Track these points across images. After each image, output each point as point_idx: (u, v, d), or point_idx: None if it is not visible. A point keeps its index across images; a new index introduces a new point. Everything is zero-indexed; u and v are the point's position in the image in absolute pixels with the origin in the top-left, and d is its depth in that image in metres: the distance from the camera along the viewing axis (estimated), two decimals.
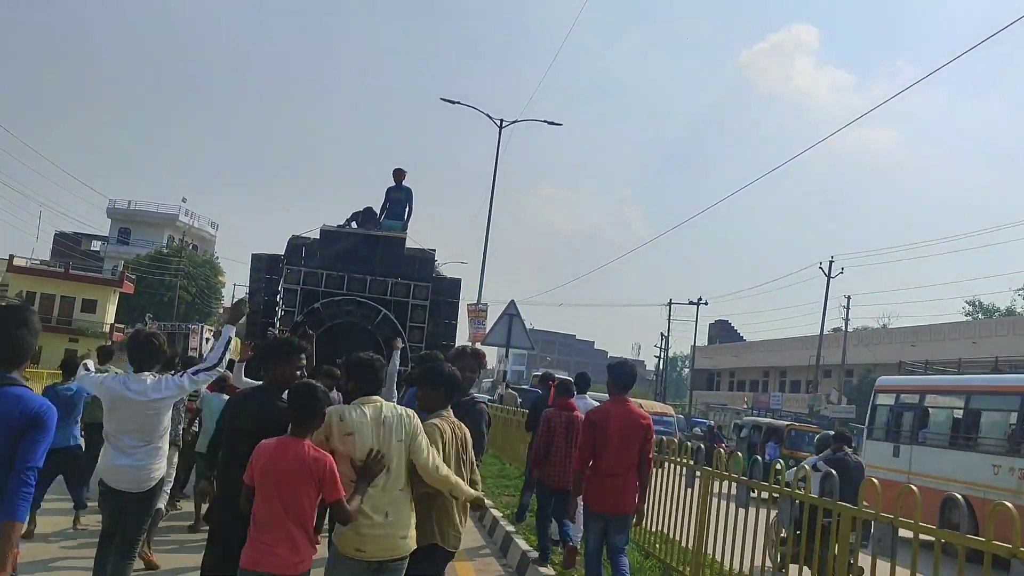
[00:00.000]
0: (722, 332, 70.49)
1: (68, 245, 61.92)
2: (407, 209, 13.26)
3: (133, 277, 54.61)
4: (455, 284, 13.03)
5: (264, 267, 12.40)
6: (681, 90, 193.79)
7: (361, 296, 12.12)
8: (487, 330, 20.02)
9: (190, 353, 22.26)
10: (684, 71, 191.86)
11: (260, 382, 4.43)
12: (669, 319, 61.99)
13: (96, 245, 69.05)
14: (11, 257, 50.78)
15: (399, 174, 13.49)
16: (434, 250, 13.11)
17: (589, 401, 8.16)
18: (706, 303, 59.33)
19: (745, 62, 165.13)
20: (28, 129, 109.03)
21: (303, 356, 4.21)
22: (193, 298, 55.65)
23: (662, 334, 64.49)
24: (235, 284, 72.13)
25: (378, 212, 13.25)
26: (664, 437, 8.65)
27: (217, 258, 68.18)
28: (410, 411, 3.91)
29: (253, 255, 12.63)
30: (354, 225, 13.27)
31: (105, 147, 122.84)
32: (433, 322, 12.45)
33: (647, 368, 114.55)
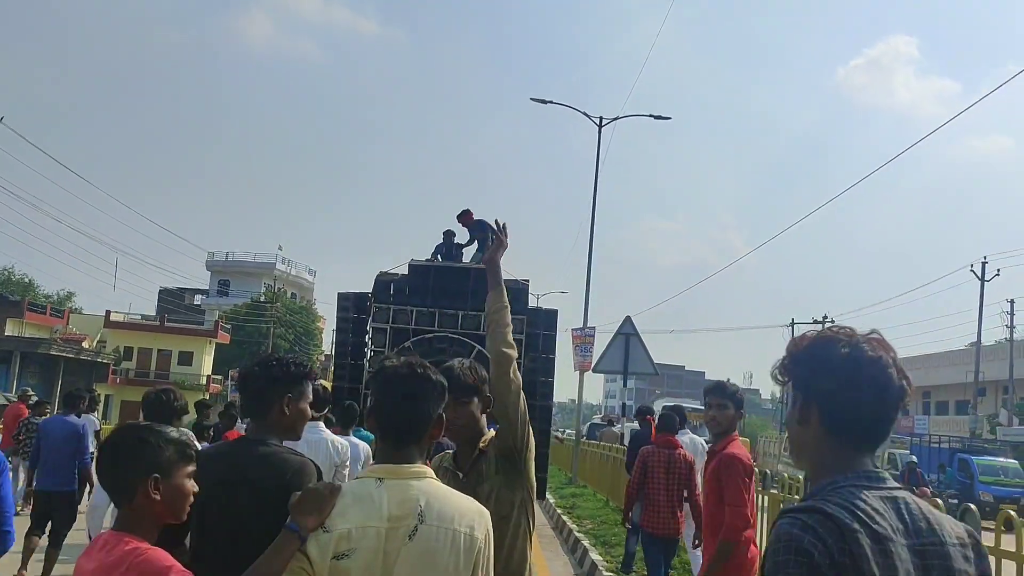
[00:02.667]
0: None
1: (171, 300, 65.30)
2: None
3: (228, 327, 56.80)
4: (552, 315, 12.71)
5: (352, 306, 12.41)
6: (777, 115, 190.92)
7: (453, 332, 11.99)
8: (596, 357, 18.09)
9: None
10: (778, 95, 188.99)
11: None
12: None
13: (198, 299, 72.60)
14: (108, 313, 53.22)
15: (466, 217, 13.50)
16: (527, 280, 12.89)
17: (688, 436, 7.82)
18: (831, 321, 57.06)
19: (843, 80, 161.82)
20: (121, 186, 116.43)
21: (304, 385, 2.90)
22: (291, 345, 57.45)
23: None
24: (334, 329, 74.23)
25: (458, 248, 13.32)
26: None
27: (315, 304, 70.40)
28: (483, 511, 2.23)
29: (339, 294, 12.71)
30: (440, 259, 13.27)
31: (199, 200, 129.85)
32: (530, 357, 12.18)
33: (762, 397, 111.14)
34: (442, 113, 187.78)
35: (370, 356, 12.30)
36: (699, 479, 7.97)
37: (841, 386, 1.60)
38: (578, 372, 23.45)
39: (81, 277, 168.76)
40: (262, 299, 60.36)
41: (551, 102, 25.71)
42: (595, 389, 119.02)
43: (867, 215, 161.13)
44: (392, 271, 12.84)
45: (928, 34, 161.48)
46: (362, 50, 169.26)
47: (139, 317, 54.99)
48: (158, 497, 2.24)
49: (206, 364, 53.99)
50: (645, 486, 6.99)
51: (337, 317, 12.88)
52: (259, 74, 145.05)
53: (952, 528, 1.59)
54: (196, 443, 2.45)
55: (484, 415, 3.10)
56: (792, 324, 59.00)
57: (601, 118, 25.14)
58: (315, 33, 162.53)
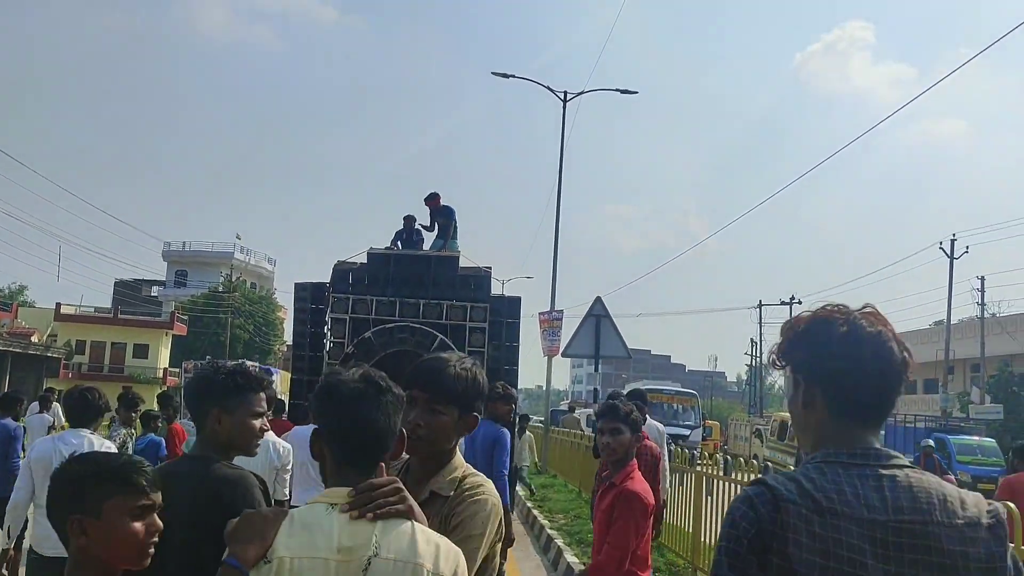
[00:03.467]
0: None
1: (128, 293, 64.21)
2: (453, 228, 13.10)
3: (185, 318, 55.96)
4: (515, 303, 12.63)
5: (309, 296, 12.22)
6: (736, 99, 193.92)
7: (415, 322, 11.87)
8: (564, 341, 17.53)
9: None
10: (737, 80, 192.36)
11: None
12: (760, 322, 60.29)
13: (156, 291, 71.54)
14: (58, 305, 52.01)
15: (434, 200, 13.32)
16: (490, 267, 12.77)
17: (651, 421, 7.72)
18: (799, 302, 57.63)
19: (800, 65, 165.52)
20: (76, 180, 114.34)
21: (243, 398, 2.66)
22: (251, 336, 56.81)
23: (752, 340, 62.91)
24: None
25: (418, 233, 13.21)
26: None
27: (275, 293, 69.74)
28: (453, 548, 1.95)
29: (296, 284, 12.51)
30: (399, 245, 13.14)
31: (156, 191, 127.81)
32: (493, 345, 12.11)
33: (728, 380, 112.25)
34: (403, 98, 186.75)
35: (329, 347, 12.15)
36: (664, 468, 7.97)
37: (844, 365, 1.58)
38: (547, 358, 23.05)
39: (34, 272, 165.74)
40: (219, 289, 59.58)
41: (513, 76, 25.44)
42: (563, 375, 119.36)
43: (829, 198, 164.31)
44: (351, 259, 12.68)
45: (884, 20, 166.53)
46: (321, 37, 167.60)
47: (92, 310, 53.91)
48: (83, 542, 1.90)
49: (163, 356, 53.10)
50: None
51: (294, 308, 12.72)
52: (215, 61, 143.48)
53: (966, 507, 1.53)
54: (144, 466, 2.05)
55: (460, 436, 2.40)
56: (760, 306, 59.60)
57: (566, 93, 24.94)
58: (272, 20, 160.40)
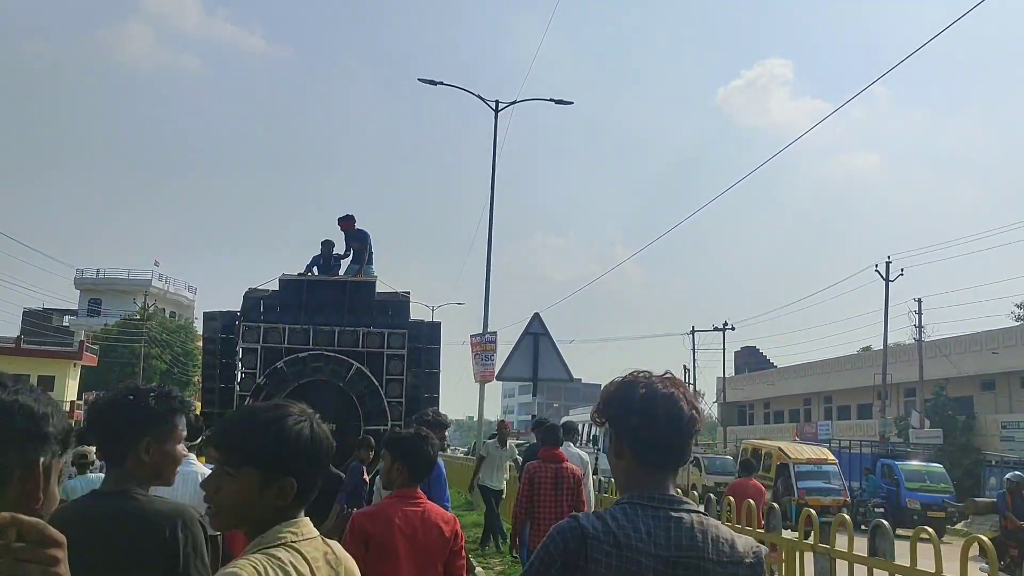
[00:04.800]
0: (750, 360, 69.59)
1: (37, 322, 62.04)
2: (368, 253, 13.00)
3: (96, 347, 54.29)
4: (435, 328, 12.63)
5: (219, 326, 11.98)
6: (661, 132, 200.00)
7: (329, 350, 11.78)
8: (498, 365, 16.51)
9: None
10: (663, 113, 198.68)
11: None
12: (694, 348, 61.08)
13: (67, 320, 69.31)
14: None
15: (348, 223, 13.02)
16: (408, 292, 12.75)
17: (573, 450, 7.83)
18: (732, 328, 58.70)
19: (723, 100, 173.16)
20: None
21: (171, 423, 2.49)
22: (168, 366, 55.46)
23: (685, 366, 63.73)
24: None
25: (336, 259, 13.10)
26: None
27: (195, 322, 68.20)
28: None
29: (205, 313, 12.30)
30: (315, 271, 13.05)
31: (67, 215, 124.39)
32: (412, 373, 12.07)
33: None
34: (327, 120, 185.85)
35: (241, 378, 11.97)
36: (589, 493, 8.05)
37: (641, 421, 1.92)
38: (479, 384, 21.97)
39: None
40: (135, 317, 58.09)
41: (441, 83, 24.76)
42: (494, 404, 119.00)
43: (756, 227, 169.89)
44: (262, 287, 12.54)
45: (800, 56, 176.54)
46: (249, 65, 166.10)
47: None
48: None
49: (70, 389, 51.18)
50: (534, 504, 6.81)
51: (203, 338, 12.51)
52: (136, 88, 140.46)
53: (735, 548, 1.89)
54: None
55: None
56: (693, 332, 60.53)
57: (497, 102, 24.43)
58: (197, 48, 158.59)
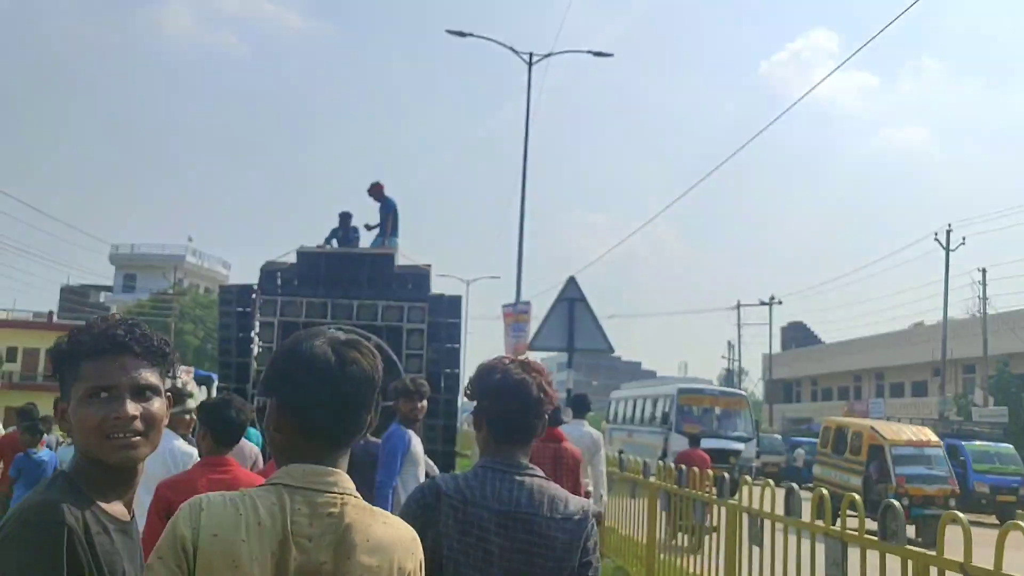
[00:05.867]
0: (797, 335, 68.61)
1: (75, 299, 63.32)
2: (393, 223, 12.94)
3: None
4: (455, 302, 12.47)
5: (234, 299, 11.94)
6: (702, 106, 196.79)
7: (347, 324, 11.76)
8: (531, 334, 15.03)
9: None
10: (703, 87, 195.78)
11: None
12: (739, 324, 60.50)
13: (104, 296, 70.67)
14: None
15: (376, 189, 13.05)
16: (429, 265, 12.63)
17: (585, 428, 7.63)
18: (779, 302, 57.87)
19: (766, 73, 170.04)
20: (19, 183, 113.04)
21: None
22: (201, 342, 56.26)
23: (729, 343, 63.11)
24: None
25: (355, 231, 13.05)
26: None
27: None
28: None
29: (221, 287, 12.34)
30: (335, 243, 13.01)
31: (104, 192, 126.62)
32: (432, 348, 11.99)
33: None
34: (363, 99, 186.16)
35: (257, 352, 11.99)
36: (594, 470, 7.83)
37: (495, 401, 2.33)
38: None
39: None
40: (169, 292, 58.96)
41: (471, 35, 23.31)
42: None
43: (800, 201, 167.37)
44: (280, 259, 12.53)
45: (847, 29, 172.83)
46: (287, 41, 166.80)
47: (30, 315, 53.05)
48: None
49: None
50: None
51: (219, 312, 12.54)
52: (175, 65, 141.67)
53: (568, 507, 2.27)
54: None
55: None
56: (738, 306, 59.89)
57: (531, 54, 23.08)
58: (236, 26, 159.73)
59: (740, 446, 23.58)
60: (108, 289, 71.68)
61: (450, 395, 12.17)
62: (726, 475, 6.90)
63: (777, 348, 63.87)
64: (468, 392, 2.44)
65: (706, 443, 21.03)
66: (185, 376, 24.92)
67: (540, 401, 2.31)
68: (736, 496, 6.56)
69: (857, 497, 4.38)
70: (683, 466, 7.96)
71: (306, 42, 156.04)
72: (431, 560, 2.03)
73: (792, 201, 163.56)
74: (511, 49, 23.21)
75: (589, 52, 24.00)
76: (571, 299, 12.05)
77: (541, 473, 2.31)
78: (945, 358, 39.00)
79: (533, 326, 17.51)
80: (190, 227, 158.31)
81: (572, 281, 12.31)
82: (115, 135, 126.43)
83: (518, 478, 2.27)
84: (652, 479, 9.11)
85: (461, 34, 23.23)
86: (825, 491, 5.00)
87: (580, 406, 7.91)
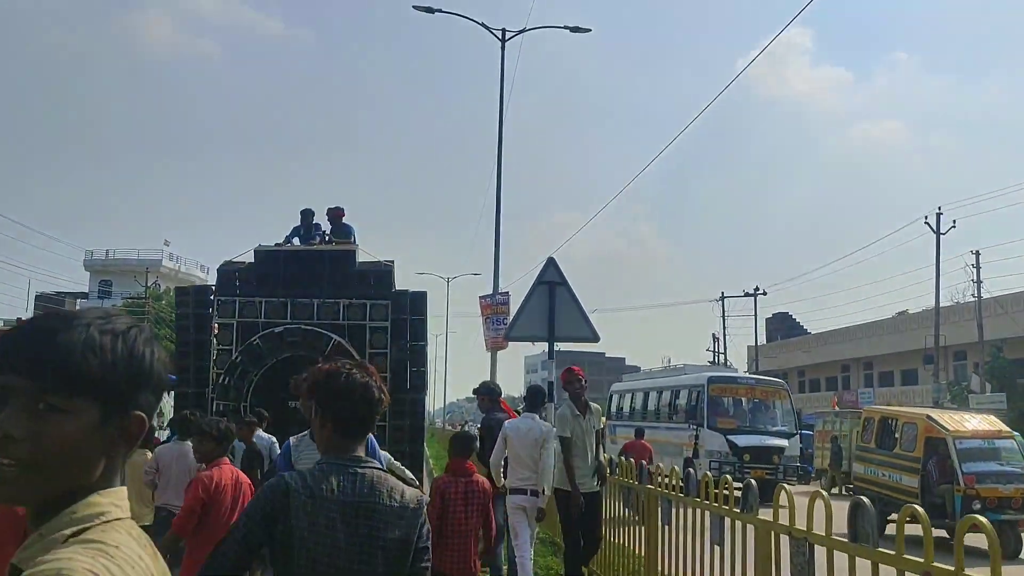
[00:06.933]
0: (781, 326, 68.49)
1: (50, 306, 62.76)
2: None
3: None
4: (420, 298, 12.26)
5: (191, 301, 11.75)
6: (679, 103, 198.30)
7: (306, 323, 11.57)
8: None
9: None
10: (681, 84, 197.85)
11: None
12: (724, 315, 60.41)
13: (79, 303, 70.07)
14: None
15: (337, 213, 12.85)
16: (392, 261, 12.41)
17: (535, 421, 7.55)
18: (764, 293, 57.90)
19: (740, 69, 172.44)
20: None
21: None
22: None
23: (714, 335, 62.94)
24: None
25: (318, 228, 12.89)
26: None
27: None
28: None
29: (177, 289, 12.14)
30: (296, 241, 12.82)
31: (79, 199, 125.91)
32: (396, 346, 11.80)
33: None
34: (339, 97, 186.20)
35: (216, 356, 11.80)
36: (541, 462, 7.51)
37: (342, 401, 2.59)
38: (491, 352, 20.61)
39: None
40: (142, 297, 58.50)
41: (440, 11, 22.28)
42: (516, 380, 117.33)
43: (780, 193, 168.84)
44: (237, 259, 12.35)
45: (820, 24, 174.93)
46: (265, 47, 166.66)
47: (0, 323, 52.55)
48: None
49: None
50: (444, 524, 5.89)
51: (176, 314, 12.35)
52: (151, 71, 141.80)
53: (404, 497, 2.57)
54: None
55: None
56: (722, 298, 59.84)
57: (504, 30, 22.37)
58: (215, 32, 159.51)
59: (783, 442, 20.80)
60: (84, 296, 71.05)
61: (416, 394, 12.03)
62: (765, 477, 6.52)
63: (762, 340, 63.88)
64: (308, 393, 2.73)
65: (744, 440, 20.19)
66: None
67: (380, 401, 2.65)
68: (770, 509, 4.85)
69: (920, 509, 3.62)
70: (634, 458, 7.80)
71: (282, 42, 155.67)
72: (282, 550, 2.43)
73: (772, 194, 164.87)
74: (483, 25, 22.50)
75: (566, 28, 22.90)
76: (551, 282, 10.44)
77: (378, 465, 2.61)
78: (938, 344, 38.60)
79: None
80: (167, 232, 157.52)
81: (552, 262, 10.71)
82: (92, 140, 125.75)
83: (359, 471, 2.55)
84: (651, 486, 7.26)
85: (429, 10, 22.23)
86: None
87: (534, 399, 7.83)
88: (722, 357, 60.70)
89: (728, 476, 5.68)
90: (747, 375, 26.84)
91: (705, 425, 21.13)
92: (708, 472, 7.08)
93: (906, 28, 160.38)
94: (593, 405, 8.21)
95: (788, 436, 21.34)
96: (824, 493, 4.23)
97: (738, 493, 5.30)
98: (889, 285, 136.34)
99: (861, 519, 4.06)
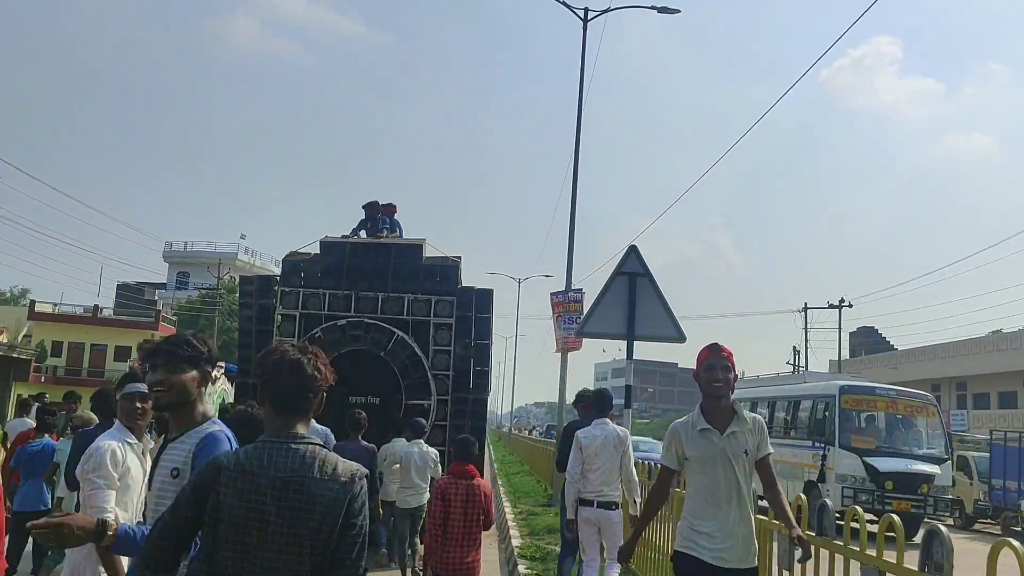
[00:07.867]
0: (866, 340, 66.34)
1: (131, 296, 64.64)
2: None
3: (173, 319, 55.79)
4: (486, 295, 11.99)
5: (254, 291, 11.71)
6: (762, 112, 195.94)
7: (372, 317, 11.49)
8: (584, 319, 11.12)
9: None
10: (765, 94, 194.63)
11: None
12: (806, 327, 59.00)
13: (158, 294, 72.18)
14: (32, 303, 51.50)
15: (388, 209, 12.82)
16: (459, 257, 12.22)
17: (610, 427, 7.36)
18: (849, 305, 56.28)
19: (826, 80, 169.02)
20: (77, 183, 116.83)
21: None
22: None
23: (795, 348, 61.40)
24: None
25: (383, 220, 12.83)
26: None
27: None
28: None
29: (241, 278, 12.14)
30: (363, 234, 12.73)
31: (158, 190, 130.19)
32: (461, 344, 11.55)
33: None
34: (419, 106, 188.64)
35: None
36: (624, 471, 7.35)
37: (272, 378, 2.68)
38: (560, 353, 19.48)
39: (37, 278, 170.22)
40: (219, 289, 59.80)
41: None
42: (586, 375, 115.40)
43: (861, 207, 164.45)
44: (303, 250, 12.33)
45: (910, 34, 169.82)
46: (344, 47, 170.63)
47: (80, 309, 54.08)
48: None
49: None
50: (448, 523, 6.38)
51: (240, 304, 12.38)
52: (236, 71, 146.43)
53: (336, 470, 2.62)
54: None
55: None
56: (805, 308, 58.31)
57: (587, 9, 21.55)
58: (299, 34, 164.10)
59: (933, 469, 17.49)
60: (162, 286, 73.07)
61: (480, 394, 11.82)
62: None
63: (845, 355, 62.01)
64: (254, 373, 2.80)
65: (885, 464, 16.95)
66: (216, 371, 24.93)
67: (314, 378, 2.68)
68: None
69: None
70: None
71: (363, 46, 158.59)
72: (211, 524, 2.54)
73: (854, 207, 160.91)
74: (564, 4, 21.46)
75: (653, 8, 21.44)
76: (631, 273, 9.15)
77: (319, 442, 2.64)
78: None
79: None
80: (244, 226, 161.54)
81: (633, 250, 9.40)
82: (173, 138, 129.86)
83: (294, 446, 2.60)
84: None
85: None
86: None
87: (602, 404, 7.60)
88: (802, 371, 59.12)
89: (858, 507, 4.34)
90: (887, 386, 21.87)
91: (837, 444, 17.62)
92: (845, 502, 5.56)
93: (1001, 38, 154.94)
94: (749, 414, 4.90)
95: (939, 461, 17.92)
96: (1016, 545, 3.13)
97: (890, 532, 3.91)
98: (980, 303, 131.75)
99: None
